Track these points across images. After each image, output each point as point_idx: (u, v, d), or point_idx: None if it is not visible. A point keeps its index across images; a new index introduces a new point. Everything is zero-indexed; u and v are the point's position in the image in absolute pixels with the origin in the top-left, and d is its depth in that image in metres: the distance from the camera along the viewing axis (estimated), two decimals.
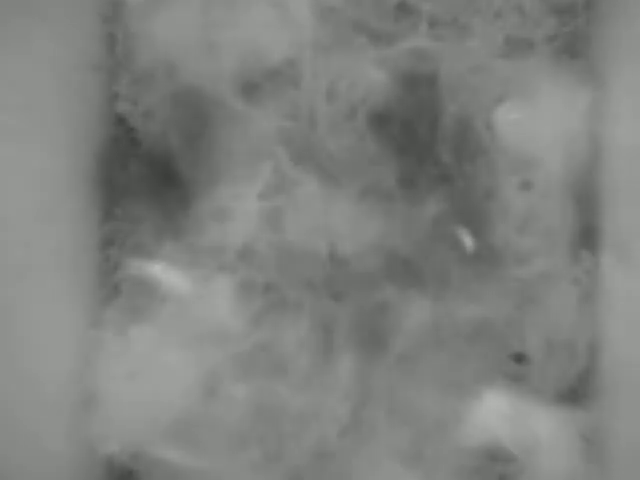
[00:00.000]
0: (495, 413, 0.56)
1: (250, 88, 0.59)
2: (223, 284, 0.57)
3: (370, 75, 0.57)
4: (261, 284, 0.58)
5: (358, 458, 0.56)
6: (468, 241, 0.57)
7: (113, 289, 0.59)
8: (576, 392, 0.58)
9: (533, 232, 0.58)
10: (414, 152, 0.57)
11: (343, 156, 0.57)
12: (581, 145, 0.58)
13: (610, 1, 0.59)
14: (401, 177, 0.58)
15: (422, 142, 0.57)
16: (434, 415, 0.56)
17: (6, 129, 0.51)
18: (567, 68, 0.59)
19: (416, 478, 0.56)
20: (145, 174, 0.58)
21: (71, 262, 0.57)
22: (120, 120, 0.60)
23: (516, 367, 0.58)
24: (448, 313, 0.57)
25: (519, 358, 0.58)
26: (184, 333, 0.57)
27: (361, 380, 0.57)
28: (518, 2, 0.59)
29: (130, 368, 0.56)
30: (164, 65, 0.58)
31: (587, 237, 0.59)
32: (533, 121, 0.58)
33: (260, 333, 0.57)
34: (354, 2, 0.59)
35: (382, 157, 0.57)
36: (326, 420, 0.56)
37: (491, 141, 0.58)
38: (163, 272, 0.58)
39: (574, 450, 0.56)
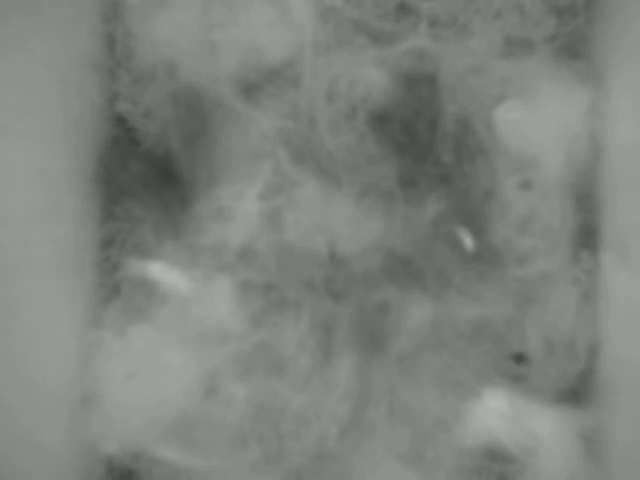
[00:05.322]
0: (495, 413, 0.56)
1: (250, 88, 0.59)
2: (223, 284, 0.57)
3: (370, 75, 0.57)
4: (261, 284, 0.58)
5: (358, 458, 0.56)
6: (468, 241, 0.57)
7: (113, 289, 0.59)
8: (576, 392, 0.58)
9: (533, 232, 0.58)
10: (414, 152, 0.57)
11: (343, 156, 0.57)
12: (581, 145, 0.58)
13: (610, 1, 0.59)
14: (401, 177, 0.58)
15: (422, 142, 0.57)
16: (434, 415, 0.56)
17: (6, 129, 0.51)
18: (567, 68, 0.59)
19: (416, 478, 0.56)
20: (145, 174, 0.58)
21: (71, 262, 0.57)
22: (120, 120, 0.60)
23: (516, 367, 0.58)
24: (448, 313, 0.57)
25: (519, 358, 0.58)
26: (184, 333, 0.57)
27: (361, 380, 0.57)
28: (518, 2, 0.59)
29: (130, 368, 0.56)
30: (164, 65, 0.58)
31: (587, 237, 0.59)
32: (533, 121, 0.58)
33: (260, 333, 0.57)
34: (354, 2, 0.59)
35: (382, 157, 0.57)
36: (326, 420, 0.56)
37: (491, 141, 0.58)
38: (163, 272, 0.58)
39: (574, 450, 0.56)
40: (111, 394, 0.56)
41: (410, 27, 0.59)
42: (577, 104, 0.58)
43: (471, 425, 0.56)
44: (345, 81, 0.57)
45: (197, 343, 0.57)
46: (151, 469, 0.57)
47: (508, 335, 0.58)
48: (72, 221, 0.58)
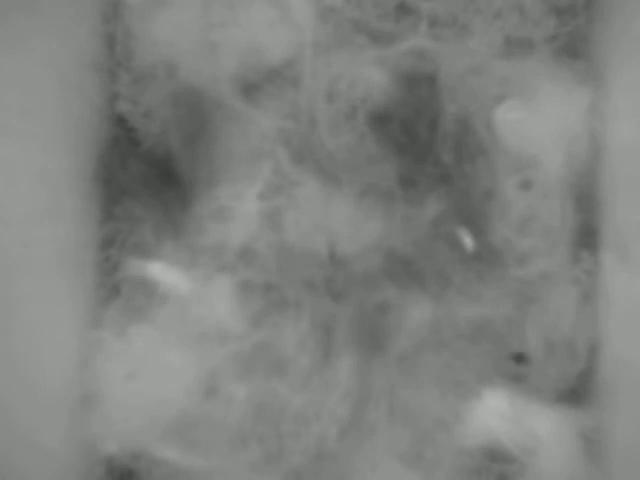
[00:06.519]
0: (495, 413, 0.56)
1: (250, 88, 0.59)
2: (223, 284, 0.57)
3: (370, 75, 0.58)
4: (261, 284, 0.58)
5: (358, 458, 0.56)
6: (468, 241, 0.57)
7: (113, 289, 0.59)
8: (576, 392, 0.58)
9: (533, 232, 0.58)
10: (414, 152, 0.57)
11: (343, 156, 0.57)
12: (581, 145, 0.58)
13: (610, 1, 0.59)
14: (401, 177, 0.58)
15: (422, 142, 0.57)
16: (434, 415, 0.56)
17: (6, 129, 0.51)
18: (567, 68, 0.59)
19: (416, 478, 0.56)
20: (145, 174, 0.58)
21: (71, 262, 0.57)
22: (120, 120, 0.60)
23: (516, 367, 0.58)
24: (448, 313, 0.57)
25: (519, 358, 0.58)
26: (184, 333, 0.57)
27: (361, 380, 0.57)
28: (518, 2, 0.59)
29: (130, 368, 0.56)
30: (164, 65, 0.58)
31: (587, 237, 0.59)
32: (533, 121, 0.58)
33: (260, 333, 0.57)
34: (354, 2, 0.59)
35: (382, 157, 0.57)
36: (326, 420, 0.56)
37: (491, 141, 0.58)
38: (163, 272, 0.58)
39: (574, 450, 0.56)
40: (111, 394, 0.56)
41: (410, 27, 0.59)
42: (577, 104, 0.58)
43: (471, 425, 0.56)
44: (345, 81, 0.57)
45: (197, 343, 0.57)
46: (151, 469, 0.57)
47: (508, 335, 0.58)
48: (72, 221, 0.58)
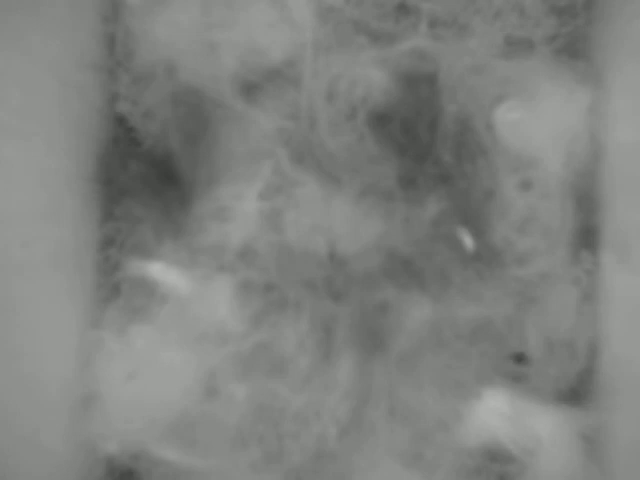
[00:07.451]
0: (495, 413, 0.56)
1: (250, 88, 0.59)
2: (223, 284, 0.57)
3: (370, 75, 0.58)
4: (261, 284, 0.58)
5: (358, 458, 0.56)
6: (468, 241, 0.57)
7: (113, 289, 0.59)
8: (576, 392, 0.58)
9: (533, 232, 0.58)
10: (414, 152, 0.57)
11: (343, 156, 0.57)
12: (581, 145, 0.58)
13: (610, 1, 0.59)
14: (401, 177, 0.58)
15: (422, 142, 0.57)
16: (434, 415, 0.56)
17: (6, 129, 0.51)
18: (567, 68, 0.59)
19: (416, 478, 0.56)
20: (145, 174, 0.58)
21: (71, 262, 0.57)
22: (120, 120, 0.60)
23: (516, 367, 0.58)
24: (448, 313, 0.57)
25: (519, 358, 0.58)
26: (184, 333, 0.57)
27: (361, 380, 0.57)
28: (518, 2, 0.59)
29: (130, 368, 0.56)
30: (164, 65, 0.58)
31: (587, 237, 0.59)
32: (533, 121, 0.58)
33: (260, 333, 0.57)
34: (354, 2, 0.59)
35: (382, 157, 0.57)
36: (326, 420, 0.56)
37: (491, 141, 0.58)
38: (163, 272, 0.58)
39: (574, 450, 0.56)
40: (111, 394, 0.56)
41: (410, 27, 0.59)
42: (577, 104, 0.58)
43: (471, 425, 0.56)
44: (345, 81, 0.57)
45: (197, 343, 0.57)
46: (151, 469, 0.57)
47: (508, 335, 0.58)
48: (72, 221, 0.58)
